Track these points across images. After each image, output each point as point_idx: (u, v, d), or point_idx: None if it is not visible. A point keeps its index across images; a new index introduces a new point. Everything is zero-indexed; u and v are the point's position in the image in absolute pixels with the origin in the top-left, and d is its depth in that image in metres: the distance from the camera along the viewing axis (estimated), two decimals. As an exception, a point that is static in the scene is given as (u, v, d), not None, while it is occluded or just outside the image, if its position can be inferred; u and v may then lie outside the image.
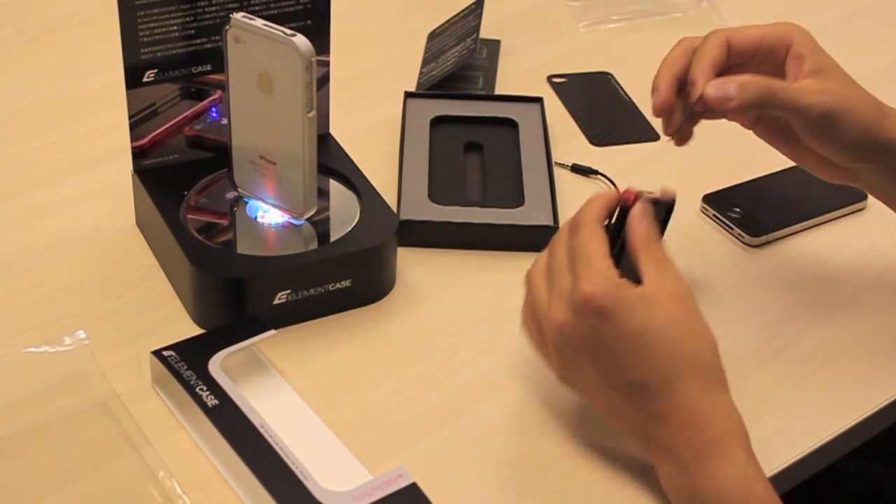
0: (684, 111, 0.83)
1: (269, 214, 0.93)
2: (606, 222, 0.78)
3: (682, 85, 0.84)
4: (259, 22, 0.85)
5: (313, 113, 0.86)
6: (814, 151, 0.85)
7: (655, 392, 0.73)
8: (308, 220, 0.92)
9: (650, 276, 0.74)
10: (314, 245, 0.91)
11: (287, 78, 0.85)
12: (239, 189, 0.93)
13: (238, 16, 0.85)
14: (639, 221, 0.76)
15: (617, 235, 0.78)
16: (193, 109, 0.94)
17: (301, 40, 0.83)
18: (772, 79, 0.82)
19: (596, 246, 0.75)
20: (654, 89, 0.83)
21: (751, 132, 0.90)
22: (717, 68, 0.82)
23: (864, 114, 0.82)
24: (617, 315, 0.72)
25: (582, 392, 0.78)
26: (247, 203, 0.94)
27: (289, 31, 0.84)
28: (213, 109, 0.95)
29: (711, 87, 0.80)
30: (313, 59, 0.83)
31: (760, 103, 0.80)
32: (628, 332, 0.72)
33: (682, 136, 0.86)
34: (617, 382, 0.74)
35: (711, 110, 0.82)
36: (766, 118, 0.87)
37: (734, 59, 0.83)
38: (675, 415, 0.72)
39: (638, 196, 0.78)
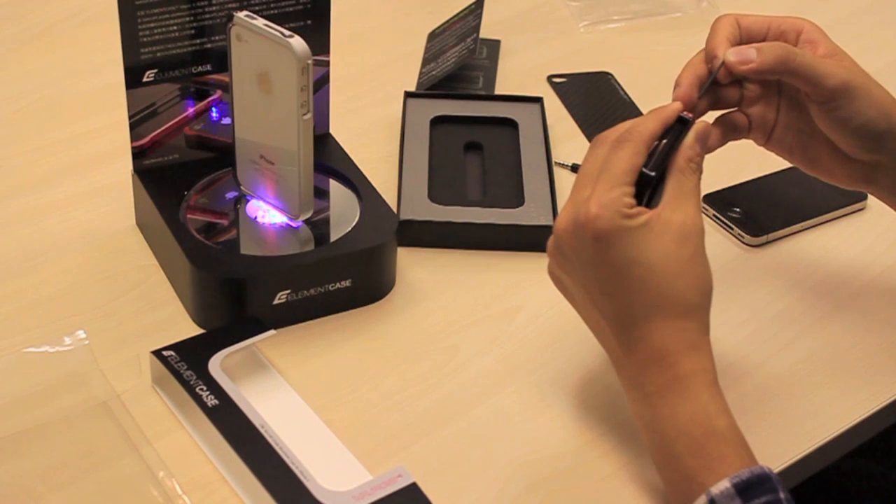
0: (704, 86, 0.82)
1: (269, 214, 0.93)
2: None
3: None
4: (260, 21, 0.85)
5: (309, 115, 0.85)
6: (829, 152, 0.84)
7: (631, 323, 0.74)
8: (308, 220, 0.92)
9: (668, 202, 0.75)
10: (314, 245, 0.91)
11: (283, 79, 0.84)
12: (242, 187, 0.93)
13: (241, 14, 0.85)
14: (693, 143, 0.77)
15: (665, 147, 0.77)
16: (193, 109, 0.94)
17: (297, 42, 0.83)
18: (790, 46, 0.81)
19: (627, 169, 0.75)
20: (676, 85, 0.81)
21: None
22: (732, 42, 0.82)
23: (880, 95, 0.82)
24: (612, 242, 0.73)
25: (565, 295, 0.79)
26: (247, 203, 0.94)
27: (287, 32, 0.83)
28: (215, 109, 0.95)
29: (731, 53, 0.80)
30: (309, 62, 0.83)
31: (779, 66, 0.80)
32: (619, 260, 0.73)
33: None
34: (598, 301, 0.75)
35: (733, 78, 0.82)
36: (780, 128, 0.86)
37: (744, 41, 0.83)
38: (645, 349, 0.74)
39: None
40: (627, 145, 0.76)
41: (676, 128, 0.78)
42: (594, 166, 0.76)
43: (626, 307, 0.74)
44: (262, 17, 0.86)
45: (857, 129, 0.82)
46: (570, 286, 0.78)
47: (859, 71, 0.82)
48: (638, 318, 0.74)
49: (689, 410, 0.72)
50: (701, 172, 0.77)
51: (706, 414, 0.72)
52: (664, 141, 0.77)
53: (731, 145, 0.85)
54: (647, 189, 0.76)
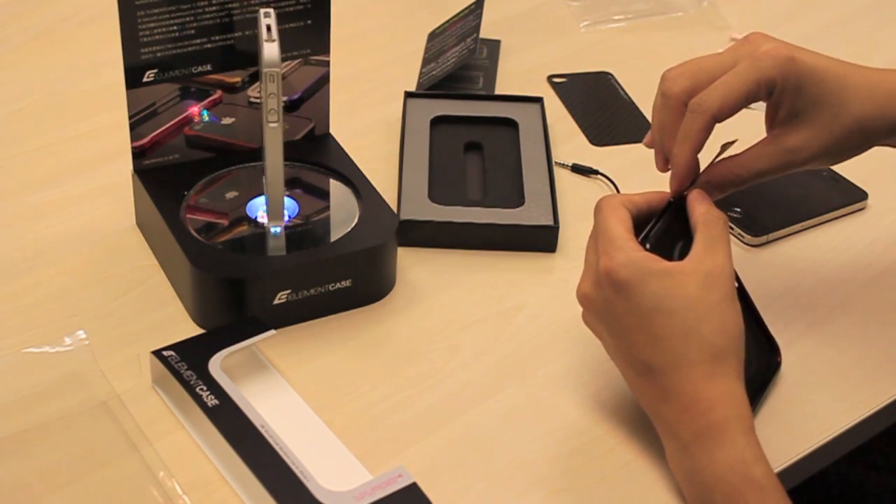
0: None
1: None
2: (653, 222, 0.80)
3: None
4: (266, 21, 0.84)
5: (276, 125, 0.85)
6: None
7: (661, 372, 0.74)
8: (308, 220, 0.92)
9: (697, 251, 0.76)
10: (314, 245, 0.91)
11: (263, 82, 0.84)
12: (263, 179, 0.94)
13: (262, 10, 0.85)
14: (698, 203, 0.79)
15: (667, 223, 0.80)
16: (193, 109, 0.94)
17: (269, 48, 0.82)
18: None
19: (614, 223, 0.77)
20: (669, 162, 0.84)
21: (749, 133, 0.89)
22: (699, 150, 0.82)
23: (827, 144, 0.82)
24: (633, 288, 0.74)
25: (612, 359, 0.80)
26: (247, 202, 0.94)
27: (274, 36, 0.83)
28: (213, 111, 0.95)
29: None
30: (277, 70, 0.82)
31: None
32: (641, 308, 0.74)
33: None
34: (629, 358, 0.76)
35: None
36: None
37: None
38: (679, 396, 0.73)
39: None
40: (602, 205, 0.79)
41: (667, 211, 0.81)
42: (591, 237, 0.79)
43: (654, 357, 0.74)
44: (264, 17, 0.86)
45: (822, 156, 0.83)
46: (607, 348, 0.79)
47: (790, 142, 0.82)
48: (666, 367, 0.74)
49: (727, 458, 0.71)
50: (725, 217, 0.79)
51: (743, 461, 0.71)
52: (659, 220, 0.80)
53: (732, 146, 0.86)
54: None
